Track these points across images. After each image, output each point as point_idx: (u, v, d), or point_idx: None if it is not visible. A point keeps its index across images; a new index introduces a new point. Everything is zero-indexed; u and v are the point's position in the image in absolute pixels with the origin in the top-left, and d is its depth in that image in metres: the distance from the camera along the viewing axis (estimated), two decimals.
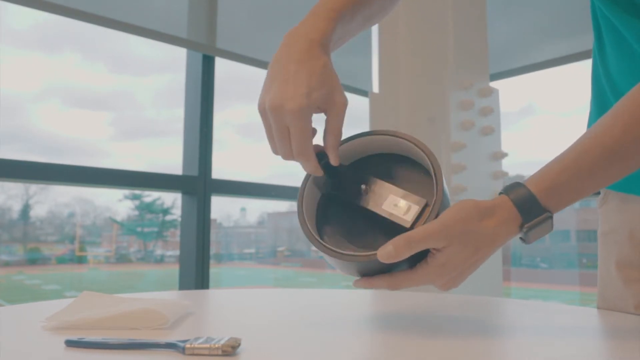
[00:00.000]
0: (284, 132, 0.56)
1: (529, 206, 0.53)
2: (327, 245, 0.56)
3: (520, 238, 0.55)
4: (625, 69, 0.70)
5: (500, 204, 0.53)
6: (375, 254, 0.52)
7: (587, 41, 2.49)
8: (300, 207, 0.59)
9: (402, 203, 0.56)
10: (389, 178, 0.60)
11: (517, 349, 0.52)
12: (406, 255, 0.51)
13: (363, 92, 2.73)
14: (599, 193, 0.81)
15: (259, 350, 0.49)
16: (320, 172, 0.58)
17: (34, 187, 5.40)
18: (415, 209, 0.55)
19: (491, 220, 0.52)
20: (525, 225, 0.53)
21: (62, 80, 4.71)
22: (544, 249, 7.32)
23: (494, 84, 2.51)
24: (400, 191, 0.57)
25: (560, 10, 2.51)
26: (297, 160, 0.57)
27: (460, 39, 2.35)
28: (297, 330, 0.60)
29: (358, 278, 0.57)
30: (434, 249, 0.52)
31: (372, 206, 0.58)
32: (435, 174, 0.55)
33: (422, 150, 0.57)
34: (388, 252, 0.51)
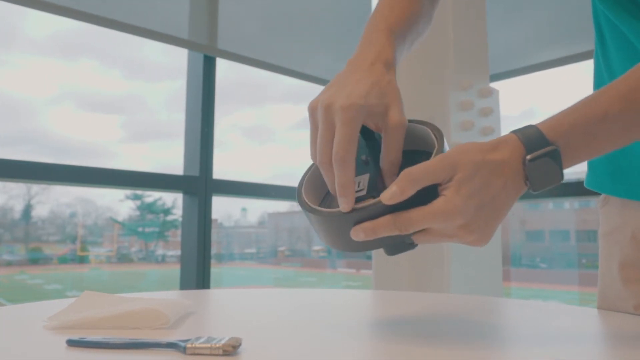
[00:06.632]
0: (329, 131, 0.51)
1: (534, 138, 0.50)
2: (320, 208, 0.52)
3: (527, 183, 0.51)
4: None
5: (505, 139, 0.51)
6: (378, 201, 0.48)
7: (588, 43, 2.49)
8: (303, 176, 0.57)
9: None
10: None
11: (517, 349, 0.53)
12: (411, 191, 0.47)
13: None
14: (599, 194, 0.81)
15: (259, 350, 0.49)
16: (350, 204, 0.50)
17: (35, 187, 5.41)
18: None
19: (495, 153, 0.50)
20: (528, 156, 0.50)
21: (77, 85, 4.79)
22: (544, 249, 7.32)
23: (494, 85, 2.51)
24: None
25: (561, 12, 2.51)
26: (334, 166, 0.50)
27: (460, 39, 2.35)
28: (298, 330, 0.60)
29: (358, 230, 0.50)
30: (441, 184, 0.49)
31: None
32: (434, 134, 0.54)
33: (419, 123, 0.56)
34: (392, 192, 0.47)
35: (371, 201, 0.49)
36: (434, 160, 0.49)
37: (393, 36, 0.61)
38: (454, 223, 0.48)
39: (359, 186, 0.54)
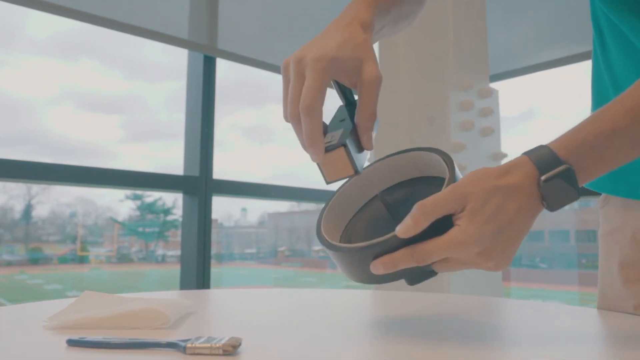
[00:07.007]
0: (300, 84, 0.51)
1: (546, 159, 0.50)
2: (339, 244, 0.52)
3: (543, 203, 0.50)
4: (630, 68, 0.70)
5: (517, 162, 0.51)
6: (394, 235, 0.48)
7: (588, 43, 2.49)
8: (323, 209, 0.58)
9: None
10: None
11: (517, 349, 0.53)
12: (424, 224, 0.48)
13: None
14: (599, 194, 0.81)
15: (259, 350, 0.49)
16: (319, 155, 0.51)
17: (35, 187, 5.41)
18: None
19: (507, 178, 0.49)
20: (542, 177, 0.49)
21: (77, 85, 4.82)
22: (544, 249, 7.33)
23: (494, 85, 2.51)
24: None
25: (561, 12, 2.51)
26: (301, 117, 0.50)
27: (460, 40, 2.35)
28: (298, 330, 0.60)
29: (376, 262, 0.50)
30: (454, 214, 0.49)
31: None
32: (445, 160, 0.54)
33: (428, 150, 0.56)
34: (406, 225, 0.48)
35: (387, 235, 0.49)
36: (445, 192, 0.49)
37: (374, 4, 0.60)
38: (470, 252, 0.48)
39: (331, 139, 0.53)
